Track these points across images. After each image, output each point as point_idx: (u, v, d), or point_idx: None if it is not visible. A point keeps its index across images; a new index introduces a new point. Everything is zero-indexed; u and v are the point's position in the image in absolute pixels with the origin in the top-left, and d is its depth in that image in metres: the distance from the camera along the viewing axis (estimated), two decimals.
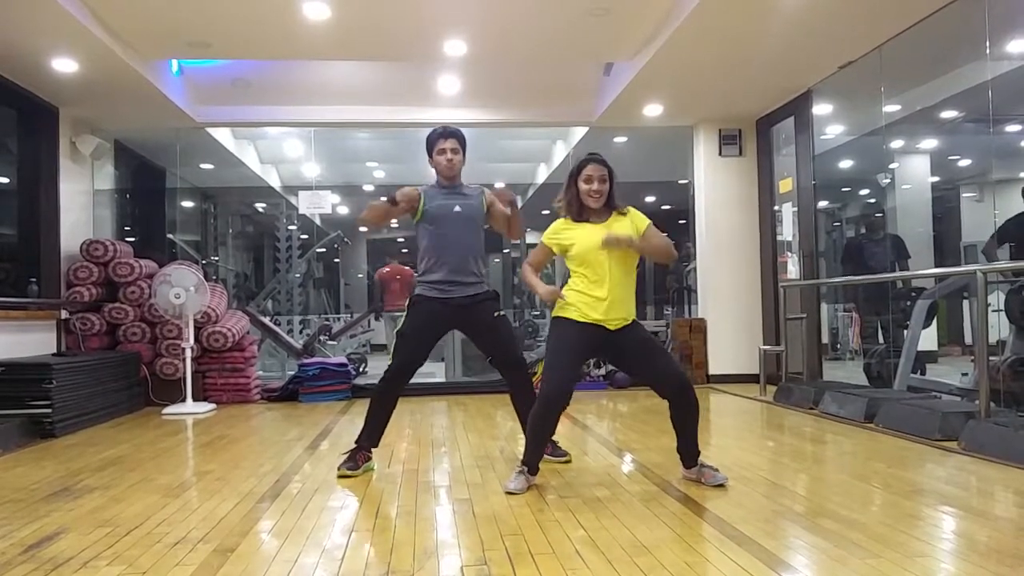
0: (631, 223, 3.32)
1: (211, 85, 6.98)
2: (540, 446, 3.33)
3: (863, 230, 7.34)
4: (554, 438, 3.77)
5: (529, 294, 14.53)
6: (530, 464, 3.28)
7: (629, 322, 3.29)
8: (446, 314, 3.64)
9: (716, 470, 3.28)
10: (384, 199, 3.62)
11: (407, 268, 9.62)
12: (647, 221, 3.36)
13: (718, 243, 7.62)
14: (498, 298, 3.80)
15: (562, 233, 3.33)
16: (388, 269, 9.85)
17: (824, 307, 7.69)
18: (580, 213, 3.31)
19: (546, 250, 3.39)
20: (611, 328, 3.24)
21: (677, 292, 9.98)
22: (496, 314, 3.72)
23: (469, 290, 3.66)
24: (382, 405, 3.70)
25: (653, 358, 3.30)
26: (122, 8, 4.97)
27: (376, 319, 10.04)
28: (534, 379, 4.02)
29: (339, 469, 3.58)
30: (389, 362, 3.73)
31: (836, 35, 5.36)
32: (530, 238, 11.17)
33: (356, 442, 3.67)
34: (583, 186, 3.28)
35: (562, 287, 3.34)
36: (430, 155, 3.77)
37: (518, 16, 5.30)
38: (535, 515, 2.83)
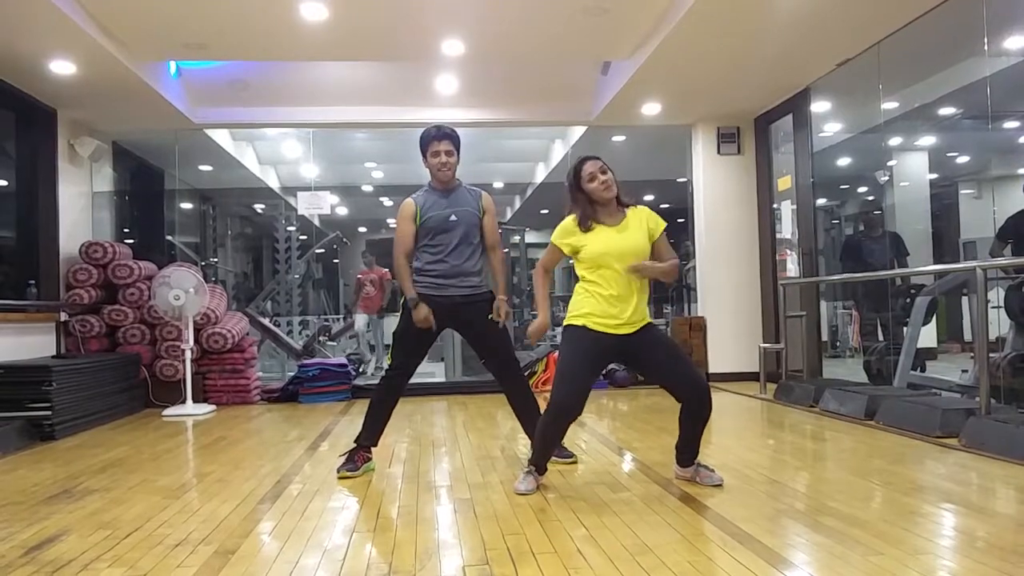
0: (645, 223, 3.19)
1: (209, 87, 6.97)
2: (548, 450, 3.28)
3: (862, 227, 7.33)
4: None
5: (528, 294, 14.52)
6: (538, 465, 3.26)
7: (643, 324, 3.17)
8: (442, 312, 3.63)
9: (712, 471, 3.24)
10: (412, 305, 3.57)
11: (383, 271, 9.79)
12: (663, 225, 3.22)
13: (717, 241, 7.62)
14: (495, 300, 3.79)
15: (573, 236, 3.19)
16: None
17: (824, 305, 7.69)
18: (589, 219, 3.17)
19: (557, 251, 3.25)
20: (625, 333, 3.12)
21: (676, 290, 9.98)
22: (491, 316, 3.70)
23: (465, 289, 3.65)
24: (382, 405, 3.70)
25: (673, 363, 3.16)
26: (119, 10, 4.96)
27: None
28: (531, 380, 4.01)
29: (339, 471, 3.58)
30: (388, 362, 3.73)
31: (834, 32, 5.36)
32: (530, 237, 11.21)
33: (355, 441, 3.67)
34: (589, 185, 3.14)
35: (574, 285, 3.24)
36: (424, 156, 3.73)
37: (516, 15, 5.30)
38: (536, 514, 2.82)
